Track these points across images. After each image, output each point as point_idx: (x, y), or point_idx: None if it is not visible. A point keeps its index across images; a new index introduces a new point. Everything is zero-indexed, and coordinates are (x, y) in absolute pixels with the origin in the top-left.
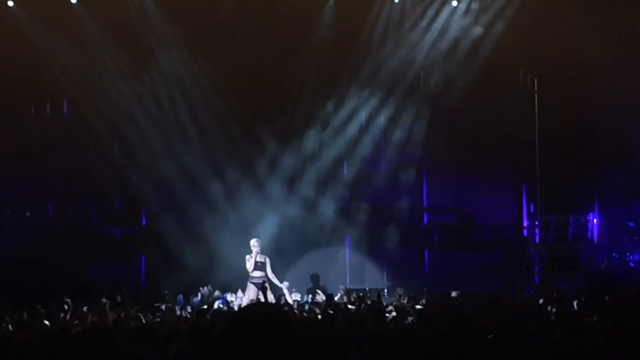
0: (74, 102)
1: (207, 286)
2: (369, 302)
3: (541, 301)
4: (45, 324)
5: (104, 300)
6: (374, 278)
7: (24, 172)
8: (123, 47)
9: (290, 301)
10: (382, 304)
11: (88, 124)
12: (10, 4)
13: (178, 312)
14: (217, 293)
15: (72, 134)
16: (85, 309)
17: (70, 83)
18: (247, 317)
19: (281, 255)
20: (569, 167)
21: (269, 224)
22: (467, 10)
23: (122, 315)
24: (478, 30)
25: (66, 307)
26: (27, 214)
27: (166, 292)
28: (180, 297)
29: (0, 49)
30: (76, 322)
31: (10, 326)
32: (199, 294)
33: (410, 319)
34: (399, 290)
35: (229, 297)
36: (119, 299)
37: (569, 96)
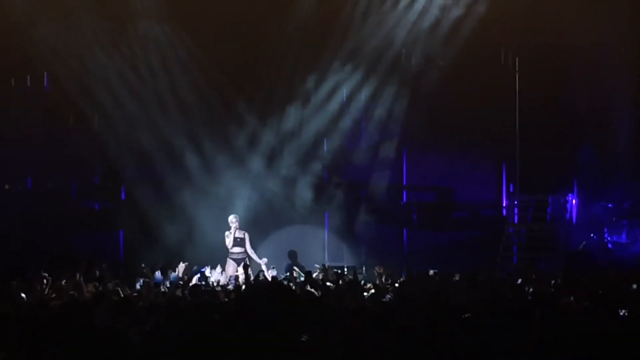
0: (55, 74)
1: (184, 263)
2: (347, 279)
3: (519, 281)
4: (23, 297)
5: (78, 275)
6: (353, 255)
7: (2, 145)
8: (104, 18)
9: (268, 277)
10: (360, 281)
11: (68, 96)
12: None
13: (156, 287)
14: (194, 268)
15: (52, 106)
16: (63, 282)
17: (50, 55)
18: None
19: (260, 231)
20: (548, 147)
21: (248, 200)
22: None
23: (101, 289)
24: (458, 12)
25: (44, 280)
26: (6, 187)
27: (143, 266)
28: (158, 272)
29: None
30: (54, 295)
31: None
32: (177, 269)
33: (388, 296)
34: (378, 268)
35: (207, 271)
36: (97, 273)
37: (549, 76)
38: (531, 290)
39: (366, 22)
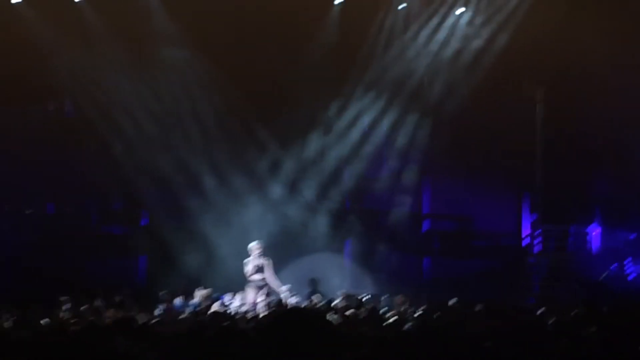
0: (76, 100)
1: (204, 289)
2: (367, 307)
3: (540, 311)
4: (42, 322)
5: (98, 301)
6: (373, 283)
7: (24, 169)
8: (126, 45)
9: (289, 305)
10: (381, 309)
11: (89, 122)
12: (15, 0)
13: (177, 313)
14: (214, 295)
15: (73, 131)
16: (82, 308)
17: (72, 81)
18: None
19: (280, 258)
20: (570, 177)
21: (269, 227)
22: (472, 18)
23: (120, 314)
24: (479, 43)
25: (64, 306)
26: (27, 211)
27: (161, 293)
28: (178, 299)
29: (4, 46)
30: (73, 320)
31: (7, 324)
32: (196, 296)
33: (408, 325)
34: (399, 298)
35: (227, 298)
36: (117, 298)
37: (571, 105)
38: (552, 320)
39: (388, 51)
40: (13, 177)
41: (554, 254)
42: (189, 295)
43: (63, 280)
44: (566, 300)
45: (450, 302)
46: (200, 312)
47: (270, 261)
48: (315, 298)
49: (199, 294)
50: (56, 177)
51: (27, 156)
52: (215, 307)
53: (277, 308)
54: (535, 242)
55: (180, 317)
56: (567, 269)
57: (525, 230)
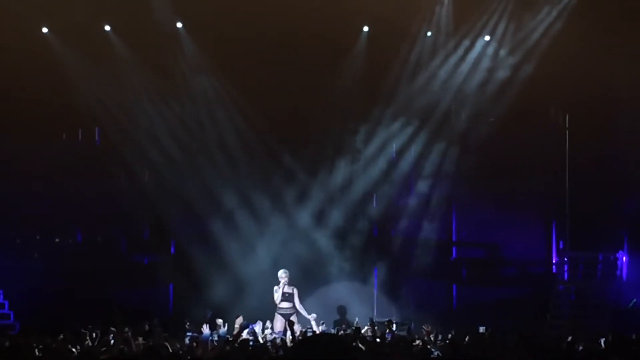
0: (106, 128)
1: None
2: (395, 335)
3: (569, 339)
4: (72, 351)
5: (126, 329)
6: (401, 311)
7: (54, 198)
8: (155, 73)
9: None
10: (409, 337)
11: (119, 150)
12: (45, 30)
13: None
14: (243, 323)
15: (102, 160)
16: (111, 337)
17: (102, 109)
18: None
19: (308, 286)
20: (598, 203)
21: (297, 255)
22: (498, 46)
23: (150, 343)
24: (505, 72)
25: (93, 334)
26: (56, 240)
27: (187, 323)
28: (205, 327)
29: (34, 75)
30: (103, 349)
31: (37, 352)
32: (226, 324)
33: (436, 353)
34: (426, 327)
35: (258, 327)
36: (145, 327)
37: (599, 132)
38: (581, 348)
39: (415, 79)
40: (43, 206)
41: (583, 282)
42: (215, 324)
43: (92, 309)
44: (595, 328)
45: (480, 330)
46: (230, 340)
47: (296, 290)
48: (344, 327)
49: (236, 322)
50: (85, 205)
51: (57, 185)
52: (244, 335)
53: (306, 336)
54: (564, 269)
55: (210, 345)
56: (595, 296)
57: (554, 257)
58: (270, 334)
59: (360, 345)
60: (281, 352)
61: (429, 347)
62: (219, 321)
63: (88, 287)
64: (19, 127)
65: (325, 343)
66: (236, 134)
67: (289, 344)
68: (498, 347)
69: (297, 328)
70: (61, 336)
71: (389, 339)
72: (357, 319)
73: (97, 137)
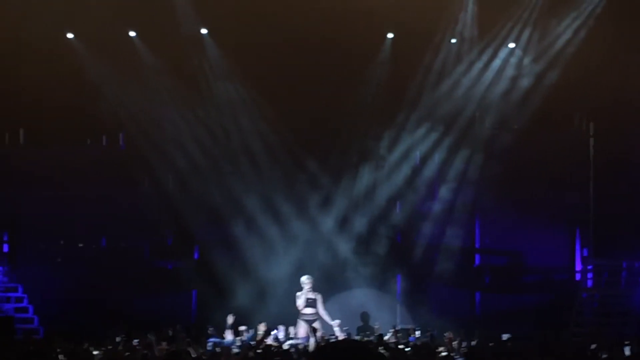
0: (130, 133)
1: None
2: (418, 342)
3: (593, 347)
4: (95, 355)
5: (149, 335)
6: (424, 318)
7: (78, 203)
8: (179, 79)
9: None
10: (432, 344)
11: (143, 156)
12: (70, 35)
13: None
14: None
15: (126, 165)
16: (135, 342)
17: (126, 115)
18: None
19: (331, 292)
20: (623, 210)
21: (320, 260)
22: (523, 53)
23: (173, 348)
24: (530, 79)
25: (117, 339)
26: (80, 245)
27: (210, 328)
28: (229, 333)
29: (58, 80)
30: (127, 354)
31: (61, 356)
32: (249, 330)
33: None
34: (449, 334)
35: (281, 332)
36: (169, 332)
37: (623, 139)
38: (605, 356)
39: (440, 85)
40: (67, 211)
41: (607, 289)
42: (238, 329)
43: (115, 314)
44: (619, 336)
45: (503, 337)
46: (253, 346)
47: (320, 295)
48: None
49: (260, 328)
50: (109, 211)
51: (81, 190)
52: (267, 341)
53: (330, 342)
54: (588, 277)
55: (234, 351)
56: (619, 304)
57: (577, 265)
58: (292, 339)
59: (383, 351)
60: (304, 358)
61: (452, 354)
62: (242, 327)
63: (111, 292)
64: (43, 133)
65: (348, 348)
66: (260, 140)
67: (311, 350)
68: (521, 355)
69: (320, 334)
70: (84, 341)
71: (411, 346)
72: (378, 325)
73: (121, 143)
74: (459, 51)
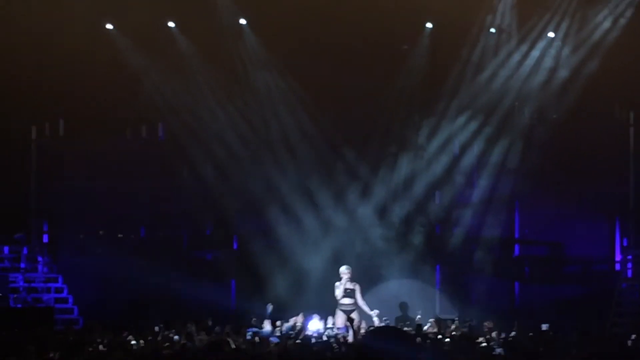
0: (169, 124)
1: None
2: (458, 332)
3: (633, 337)
4: (135, 346)
5: (189, 325)
6: (464, 308)
7: (117, 193)
8: (218, 70)
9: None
10: (471, 334)
11: (182, 146)
12: (109, 26)
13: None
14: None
15: (166, 156)
16: (175, 332)
17: (165, 106)
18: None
19: (370, 282)
20: None
21: (359, 251)
22: (562, 43)
23: (212, 338)
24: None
25: (156, 329)
26: (120, 235)
27: (253, 319)
28: (267, 323)
29: (98, 71)
30: (166, 344)
31: (100, 346)
32: (290, 320)
33: (499, 350)
34: (488, 323)
35: (316, 320)
36: (208, 322)
37: None
38: None
39: (479, 75)
40: (106, 202)
41: None
42: (277, 319)
43: (155, 304)
44: None
45: (543, 328)
46: (292, 336)
47: (359, 286)
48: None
49: (297, 319)
50: (148, 201)
51: (121, 180)
52: (307, 332)
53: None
54: (627, 267)
55: (273, 340)
56: None
57: (617, 255)
58: (331, 329)
59: (423, 340)
60: (344, 349)
61: (491, 344)
62: (278, 323)
63: (150, 283)
64: (83, 124)
65: (391, 333)
66: (299, 130)
67: (350, 340)
68: (561, 345)
69: (357, 324)
70: (124, 331)
71: (450, 336)
72: (419, 316)
73: (160, 133)
74: (497, 41)
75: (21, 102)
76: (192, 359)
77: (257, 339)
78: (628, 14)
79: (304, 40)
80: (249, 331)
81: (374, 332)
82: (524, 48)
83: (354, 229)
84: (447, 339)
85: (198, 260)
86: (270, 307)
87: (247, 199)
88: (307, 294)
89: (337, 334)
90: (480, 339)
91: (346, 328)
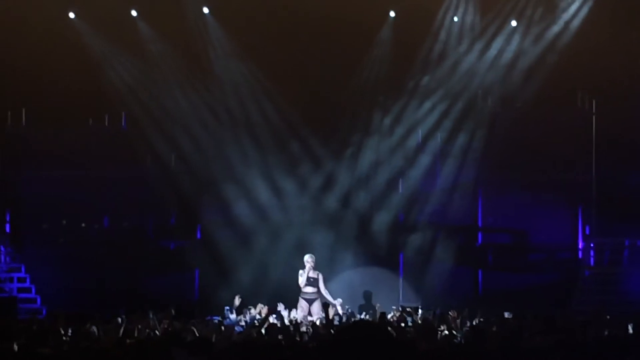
0: (132, 113)
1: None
2: (421, 320)
3: (595, 325)
4: (99, 335)
5: (151, 316)
6: (427, 297)
7: (80, 183)
8: (181, 58)
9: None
10: (434, 322)
11: (145, 135)
12: (72, 15)
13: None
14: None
15: (129, 145)
16: (138, 320)
17: (128, 94)
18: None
19: (334, 271)
20: (625, 189)
21: (322, 240)
22: (525, 31)
23: (176, 327)
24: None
25: (119, 319)
26: (83, 225)
27: (227, 308)
28: (228, 311)
29: (61, 60)
30: (129, 333)
31: (64, 336)
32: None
33: (460, 337)
34: (452, 312)
35: (281, 309)
36: (172, 311)
37: (626, 117)
38: (607, 333)
39: (442, 63)
40: (69, 192)
41: (609, 268)
42: (243, 308)
43: (119, 294)
44: (622, 315)
45: (506, 315)
46: (257, 325)
47: (322, 275)
48: (375, 310)
49: (259, 309)
50: (112, 191)
51: (83, 170)
52: (270, 319)
53: (335, 322)
54: (590, 255)
55: (237, 329)
56: (622, 282)
57: (580, 243)
58: (294, 317)
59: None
60: (306, 338)
61: (454, 332)
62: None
63: (114, 272)
64: (46, 113)
65: (365, 329)
66: (263, 119)
67: (320, 326)
68: (524, 332)
69: (322, 313)
70: (88, 320)
71: (413, 324)
72: (378, 305)
73: (123, 122)
74: (461, 29)
75: None
76: (155, 348)
77: (222, 327)
78: (591, 2)
79: (267, 28)
80: (213, 319)
81: (351, 328)
82: (487, 36)
83: (318, 216)
84: (410, 327)
85: (162, 249)
86: (238, 300)
87: (211, 188)
88: (270, 283)
89: (301, 322)
90: (443, 327)
91: (308, 317)
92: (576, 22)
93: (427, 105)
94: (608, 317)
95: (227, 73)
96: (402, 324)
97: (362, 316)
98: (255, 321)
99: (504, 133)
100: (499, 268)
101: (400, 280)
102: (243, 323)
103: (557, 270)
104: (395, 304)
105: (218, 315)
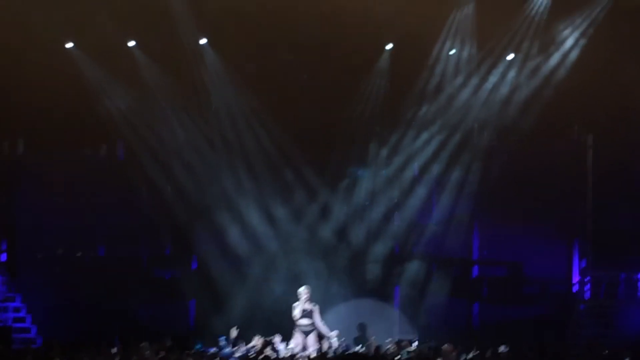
0: (129, 143)
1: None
2: (416, 353)
3: (590, 358)
4: None
5: (144, 345)
6: (423, 329)
7: (76, 212)
8: (178, 89)
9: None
10: (429, 355)
11: (142, 165)
12: (70, 45)
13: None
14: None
15: (125, 174)
16: (132, 351)
17: (125, 124)
18: None
19: (330, 303)
20: (621, 223)
21: (318, 271)
22: (522, 64)
23: (173, 358)
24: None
25: (114, 349)
26: (78, 254)
27: (222, 339)
28: (224, 341)
29: (58, 89)
30: None
31: None
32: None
33: None
34: (447, 347)
35: (278, 343)
36: (167, 342)
37: (622, 151)
38: None
39: (439, 96)
40: (65, 220)
41: (604, 301)
42: (238, 339)
43: (113, 323)
44: (616, 348)
45: (501, 349)
46: (252, 357)
47: (317, 306)
48: (372, 342)
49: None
50: (108, 220)
51: (80, 199)
52: (266, 352)
53: (330, 355)
54: (585, 288)
55: None
56: (617, 316)
57: (576, 276)
58: (289, 350)
59: None
60: None
61: None
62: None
63: (109, 302)
64: (43, 141)
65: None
66: (259, 149)
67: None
68: None
69: (318, 345)
70: (82, 350)
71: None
72: (374, 337)
73: (120, 152)
74: (458, 61)
75: None
76: None
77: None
78: (588, 35)
79: (264, 60)
80: (209, 350)
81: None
82: (484, 69)
83: (313, 248)
84: None
85: (157, 279)
86: (235, 332)
87: (206, 218)
88: (266, 314)
89: (296, 354)
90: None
91: (304, 349)
92: (572, 57)
93: (424, 137)
94: (606, 351)
95: (223, 103)
96: (397, 357)
97: (357, 348)
98: (250, 354)
99: (500, 166)
100: (495, 300)
101: (396, 312)
102: (239, 354)
103: (552, 303)
104: (390, 336)
105: (213, 346)
